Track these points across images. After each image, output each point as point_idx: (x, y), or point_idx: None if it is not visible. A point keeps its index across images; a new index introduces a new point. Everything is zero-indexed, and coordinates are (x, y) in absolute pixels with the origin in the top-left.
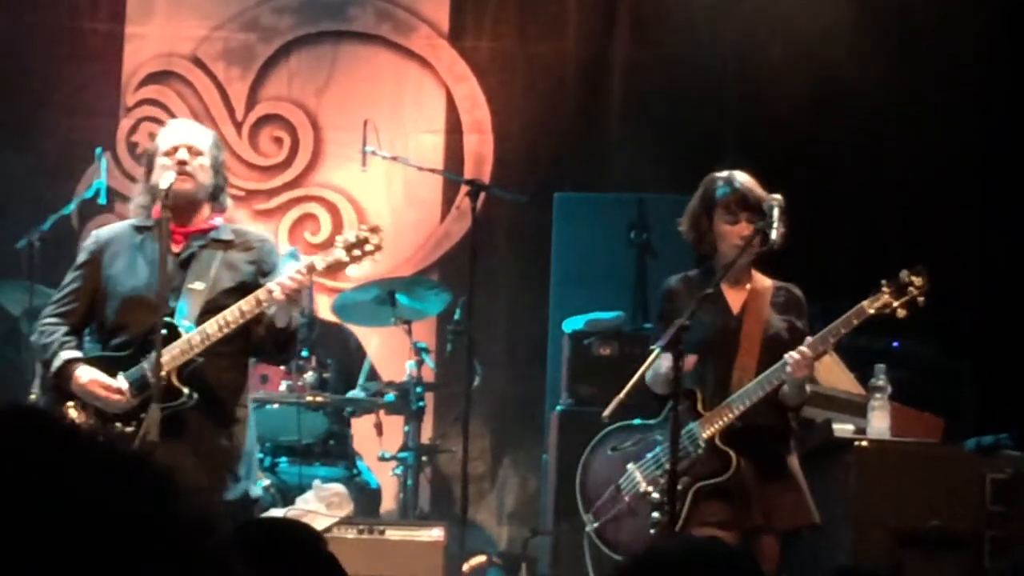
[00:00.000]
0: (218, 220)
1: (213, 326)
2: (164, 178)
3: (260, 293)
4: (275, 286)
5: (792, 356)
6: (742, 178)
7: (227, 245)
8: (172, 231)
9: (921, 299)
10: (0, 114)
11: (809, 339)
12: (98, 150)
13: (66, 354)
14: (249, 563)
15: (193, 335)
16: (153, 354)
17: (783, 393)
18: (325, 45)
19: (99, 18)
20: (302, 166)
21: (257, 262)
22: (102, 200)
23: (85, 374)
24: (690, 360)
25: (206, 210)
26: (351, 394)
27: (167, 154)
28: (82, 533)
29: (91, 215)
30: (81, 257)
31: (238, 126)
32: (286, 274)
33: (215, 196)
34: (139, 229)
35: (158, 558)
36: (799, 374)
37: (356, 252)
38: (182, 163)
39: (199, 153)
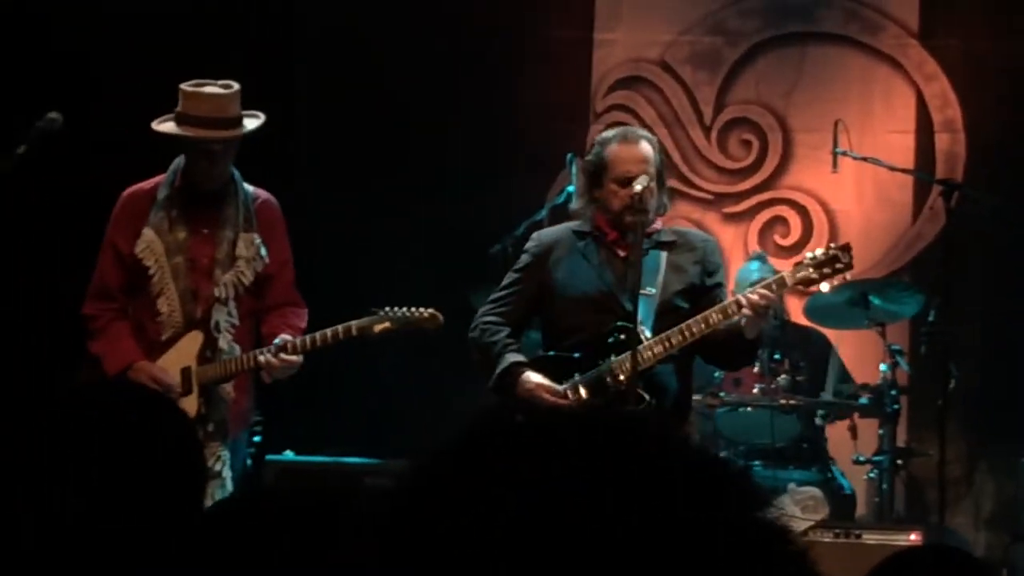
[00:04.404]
0: (657, 224)
1: (677, 336)
2: (639, 180)
3: (729, 306)
4: (744, 299)
5: None
6: None
7: (670, 247)
8: (615, 240)
9: None
10: (469, 121)
11: None
12: (569, 156)
13: (512, 356)
14: None
15: (655, 344)
16: (613, 358)
17: None
18: (792, 47)
19: (568, 25)
20: (771, 169)
21: (701, 262)
22: (573, 205)
23: (532, 378)
24: None
25: None
26: (823, 397)
27: (619, 182)
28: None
29: (562, 220)
30: (524, 259)
31: (706, 130)
32: (756, 288)
33: None
34: (579, 234)
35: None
36: None
37: (826, 270)
38: (637, 198)
39: (648, 177)
